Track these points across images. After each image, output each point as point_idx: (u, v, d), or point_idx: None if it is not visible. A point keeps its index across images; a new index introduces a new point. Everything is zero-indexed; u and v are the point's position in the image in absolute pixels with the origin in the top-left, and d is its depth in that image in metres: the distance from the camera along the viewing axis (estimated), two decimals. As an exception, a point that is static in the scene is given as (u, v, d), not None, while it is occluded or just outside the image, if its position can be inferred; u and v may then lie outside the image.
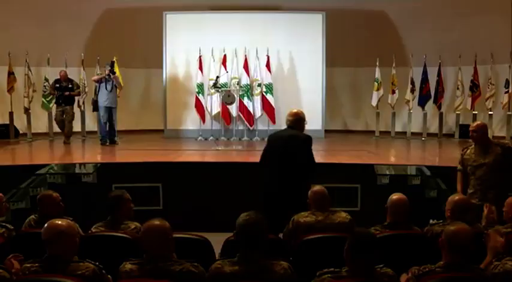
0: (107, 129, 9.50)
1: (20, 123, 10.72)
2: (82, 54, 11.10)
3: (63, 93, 9.65)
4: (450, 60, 11.15)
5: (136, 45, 11.61)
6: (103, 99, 9.31)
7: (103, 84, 9.28)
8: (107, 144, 9.43)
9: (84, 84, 10.89)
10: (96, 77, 9.63)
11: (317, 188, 4.03)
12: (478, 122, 4.98)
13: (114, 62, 9.50)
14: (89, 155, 9.11)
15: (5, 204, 3.92)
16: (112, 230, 3.57)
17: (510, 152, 4.57)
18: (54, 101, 10.13)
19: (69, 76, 10.00)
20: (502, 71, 10.57)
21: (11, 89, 10.54)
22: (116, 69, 9.59)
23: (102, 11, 11.40)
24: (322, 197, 3.94)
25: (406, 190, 5.73)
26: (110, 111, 9.40)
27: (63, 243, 2.71)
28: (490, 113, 10.65)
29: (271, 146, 4.92)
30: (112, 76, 9.24)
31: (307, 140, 4.71)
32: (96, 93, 9.56)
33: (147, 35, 11.33)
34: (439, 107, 11.12)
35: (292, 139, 4.71)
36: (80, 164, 7.38)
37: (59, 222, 2.81)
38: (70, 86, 9.76)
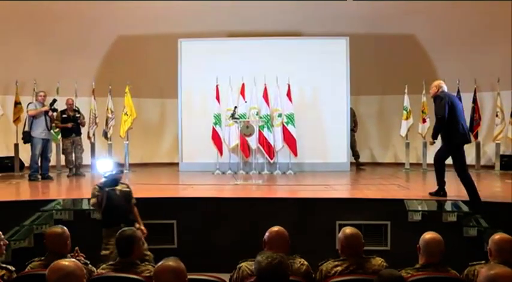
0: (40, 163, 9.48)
1: (25, 156, 10.43)
2: (93, 83, 11.34)
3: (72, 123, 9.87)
4: (487, 85, 11.09)
5: (150, 74, 11.86)
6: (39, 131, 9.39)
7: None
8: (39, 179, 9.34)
9: (95, 114, 11.15)
10: (33, 112, 9.41)
11: (350, 230, 3.69)
12: None
13: (55, 100, 9.61)
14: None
15: (4, 242, 3.85)
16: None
17: None
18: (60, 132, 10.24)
19: (78, 106, 10.27)
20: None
21: (17, 120, 10.66)
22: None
23: (114, 38, 11.68)
24: (357, 242, 3.63)
25: (441, 228, 5.66)
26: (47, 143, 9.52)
27: None
28: (535, 141, 10.51)
29: None
30: (50, 114, 9.45)
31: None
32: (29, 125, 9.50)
33: (162, 64, 11.58)
34: (476, 136, 10.99)
35: None
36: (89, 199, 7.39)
37: (66, 263, 2.74)
38: (78, 115, 10.00)
